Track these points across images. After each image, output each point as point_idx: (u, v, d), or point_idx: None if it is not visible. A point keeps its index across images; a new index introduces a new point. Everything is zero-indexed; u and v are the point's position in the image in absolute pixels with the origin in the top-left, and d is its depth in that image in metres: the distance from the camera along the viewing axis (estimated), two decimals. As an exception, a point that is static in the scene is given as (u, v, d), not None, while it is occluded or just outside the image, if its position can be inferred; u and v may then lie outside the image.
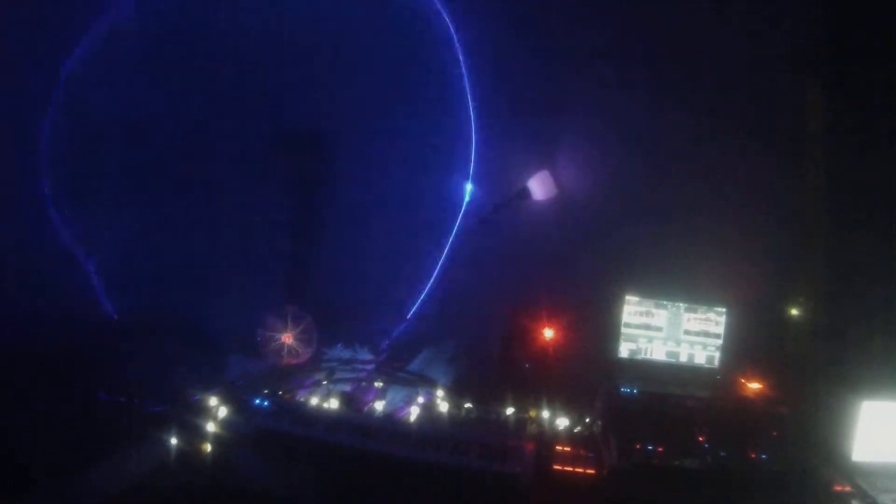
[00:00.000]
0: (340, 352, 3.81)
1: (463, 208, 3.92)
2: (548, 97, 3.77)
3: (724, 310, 3.34)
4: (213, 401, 3.13)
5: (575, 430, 3.18)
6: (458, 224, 3.92)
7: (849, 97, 3.35)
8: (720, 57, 3.52)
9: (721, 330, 3.34)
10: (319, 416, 3.17)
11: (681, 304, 3.36)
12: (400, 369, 3.68)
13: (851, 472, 2.79)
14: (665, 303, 3.36)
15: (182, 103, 3.93)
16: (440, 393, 3.40)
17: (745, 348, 3.36)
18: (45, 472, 2.85)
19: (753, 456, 2.87)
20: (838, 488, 2.75)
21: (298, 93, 3.94)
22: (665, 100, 3.61)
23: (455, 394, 3.38)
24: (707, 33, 3.51)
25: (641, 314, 3.37)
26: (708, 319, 3.35)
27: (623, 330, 3.38)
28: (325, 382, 3.53)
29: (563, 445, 3.01)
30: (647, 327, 3.38)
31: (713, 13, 3.48)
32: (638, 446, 2.85)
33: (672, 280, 3.43)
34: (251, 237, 4.03)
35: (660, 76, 3.61)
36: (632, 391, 3.15)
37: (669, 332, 3.37)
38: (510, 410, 3.26)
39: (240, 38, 3.89)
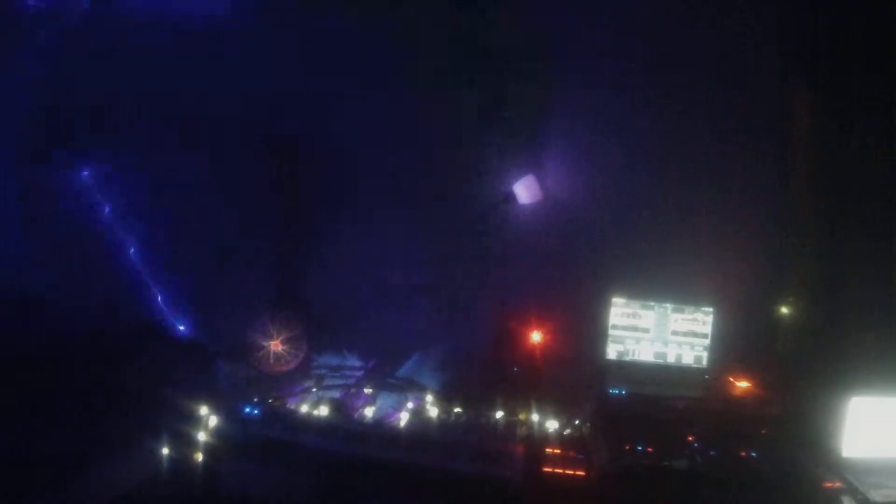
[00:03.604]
0: (330, 358, 3.81)
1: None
2: (537, 97, 3.81)
3: (711, 310, 3.34)
4: (203, 409, 3.14)
5: (565, 433, 3.17)
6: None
7: (839, 99, 3.39)
8: (713, 61, 3.56)
9: (708, 330, 3.35)
10: (310, 422, 3.18)
11: (668, 305, 3.37)
12: (389, 375, 3.68)
13: (842, 469, 2.78)
14: (652, 304, 3.37)
15: (176, 107, 3.97)
16: (430, 398, 3.40)
17: (733, 348, 3.36)
18: (40, 479, 2.87)
19: (744, 455, 2.86)
20: (829, 485, 2.73)
21: (298, 99, 3.97)
22: (655, 103, 3.64)
23: (445, 398, 3.38)
24: (701, 35, 3.55)
25: (628, 316, 3.38)
26: (695, 320, 3.36)
27: (610, 332, 3.38)
28: (314, 389, 3.52)
29: (553, 448, 3.00)
30: (635, 329, 3.38)
31: (710, 16, 3.52)
32: (628, 447, 2.85)
33: (658, 281, 3.44)
34: (242, 243, 4.04)
35: (652, 79, 3.64)
36: (620, 392, 3.16)
37: (657, 333, 3.38)
38: (500, 414, 3.25)
39: (241, 41, 3.94)
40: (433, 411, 3.31)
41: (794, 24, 3.49)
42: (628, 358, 3.38)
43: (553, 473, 2.85)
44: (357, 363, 3.78)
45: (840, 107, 3.40)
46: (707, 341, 3.34)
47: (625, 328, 3.38)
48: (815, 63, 3.48)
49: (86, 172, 4.13)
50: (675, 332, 3.37)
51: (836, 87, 3.41)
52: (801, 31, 3.49)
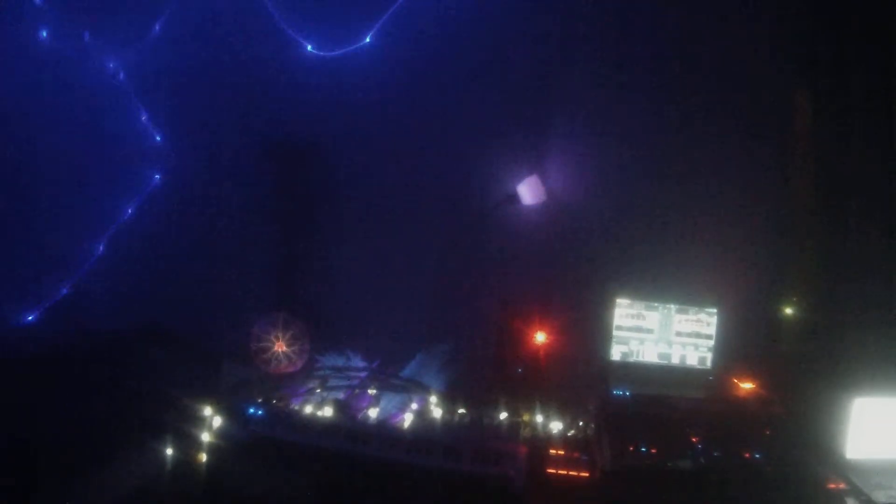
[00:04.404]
0: (333, 359, 3.81)
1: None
2: (539, 98, 3.80)
3: (715, 311, 3.33)
4: (207, 410, 3.14)
5: (568, 434, 3.18)
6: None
7: (840, 98, 3.39)
8: (712, 60, 3.56)
9: (712, 331, 3.33)
10: (313, 423, 3.18)
11: (672, 306, 3.36)
12: (393, 375, 3.68)
13: (845, 470, 2.79)
14: (656, 305, 3.36)
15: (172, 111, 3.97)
16: (433, 398, 3.40)
17: (737, 348, 3.35)
18: (42, 480, 2.88)
19: (747, 455, 2.86)
20: (832, 486, 2.74)
21: (292, 99, 3.97)
22: (656, 102, 3.64)
23: (448, 399, 3.38)
24: (700, 35, 3.55)
25: (633, 316, 3.37)
26: (699, 320, 3.35)
27: (615, 332, 3.37)
28: (318, 390, 3.52)
29: (556, 448, 3.01)
30: (639, 329, 3.37)
31: (709, 16, 3.52)
32: (631, 448, 2.85)
33: (663, 282, 3.44)
34: (244, 244, 4.05)
35: (653, 78, 3.64)
36: (624, 393, 3.16)
37: (661, 334, 3.37)
38: (503, 415, 3.26)
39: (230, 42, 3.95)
40: (437, 412, 3.31)
41: (795, 23, 3.49)
42: (632, 359, 3.37)
43: (556, 474, 2.86)
44: (361, 364, 3.78)
45: (841, 107, 3.40)
46: (711, 342, 3.33)
47: (629, 329, 3.37)
48: (816, 63, 3.48)
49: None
50: (678, 333, 3.36)
51: (836, 86, 3.42)
52: (802, 31, 3.49)
